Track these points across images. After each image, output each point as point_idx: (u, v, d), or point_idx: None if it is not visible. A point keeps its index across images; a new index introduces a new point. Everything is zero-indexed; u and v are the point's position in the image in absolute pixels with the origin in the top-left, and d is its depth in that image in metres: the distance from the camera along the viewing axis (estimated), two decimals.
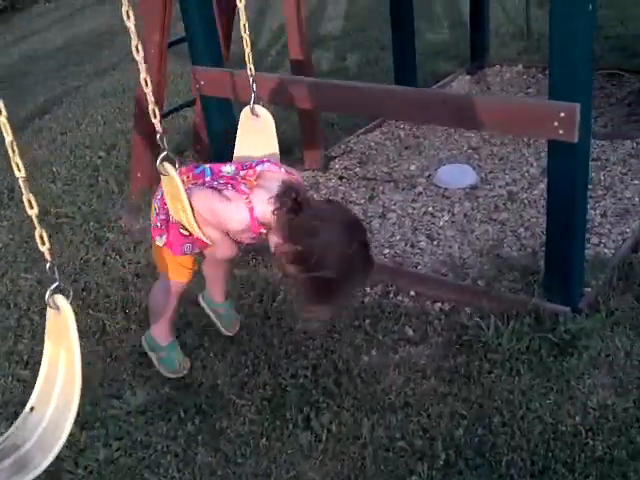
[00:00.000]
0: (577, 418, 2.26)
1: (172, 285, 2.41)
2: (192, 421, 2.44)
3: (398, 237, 3.31)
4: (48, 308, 1.85)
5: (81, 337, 2.84)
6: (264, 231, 2.01)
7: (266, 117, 2.33)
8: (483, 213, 3.42)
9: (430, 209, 3.51)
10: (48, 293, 1.82)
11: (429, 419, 2.35)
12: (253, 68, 2.30)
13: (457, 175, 3.79)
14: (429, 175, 3.86)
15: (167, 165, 1.96)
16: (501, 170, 3.84)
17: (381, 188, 3.78)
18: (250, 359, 2.68)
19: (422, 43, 5.66)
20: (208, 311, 2.76)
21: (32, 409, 1.86)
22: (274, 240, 1.94)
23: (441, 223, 3.38)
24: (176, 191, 1.99)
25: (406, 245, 3.24)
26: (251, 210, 1.97)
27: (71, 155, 4.79)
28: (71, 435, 2.43)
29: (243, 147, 2.35)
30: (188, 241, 2.27)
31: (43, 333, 1.73)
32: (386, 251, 3.20)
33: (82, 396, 2.62)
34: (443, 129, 4.42)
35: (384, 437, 2.30)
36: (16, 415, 1.75)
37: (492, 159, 3.98)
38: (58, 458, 2.35)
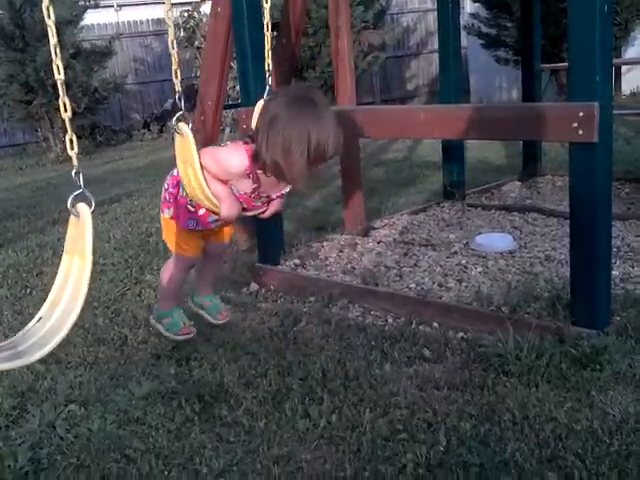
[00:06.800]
0: (595, 422, 2.09)
1: (178, 260, 2.48)
2: (191, 407, 2.37)
3: (427, 279, 3.27)
4: (70, 215, 1.92)
5: (103, 346, 2.91)
6: (260, 172, 2.19)
7: None
8: (518, 268, 3.37)
9: (463, 262, 3.48)
10: (71, 199, 1.89)
11: (435, 416, 2.22)
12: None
13: (495, 241, 3.77)
14: (467, 242, 3.86)
15: (182, 125, 2.17)
16: (542, 241, 3.81)
17: (417, 249, 3.79)
18: (261, 365, 2.63)
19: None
20: (196, 309, 2.83)
21: (39, 319, 1.89)
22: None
23: (473, 273, 3.34)
24: (187, 149, 2.15)
25: (434, 284, 3.19)
26: (247, 151, 2.18)
27: (129, 226, 5.05)
28: (69, 410, 2.43)
29: None
30: (193, 217, 2.39)
31: None
32: (412, 285, 3.16)
33: (89, 381, 2.64)
34: (487, 212, 4.47)
35: (385, 428, 2.17)
36: None
37: (534, 234, 3.96)
38: (51, 426, 2.34)
